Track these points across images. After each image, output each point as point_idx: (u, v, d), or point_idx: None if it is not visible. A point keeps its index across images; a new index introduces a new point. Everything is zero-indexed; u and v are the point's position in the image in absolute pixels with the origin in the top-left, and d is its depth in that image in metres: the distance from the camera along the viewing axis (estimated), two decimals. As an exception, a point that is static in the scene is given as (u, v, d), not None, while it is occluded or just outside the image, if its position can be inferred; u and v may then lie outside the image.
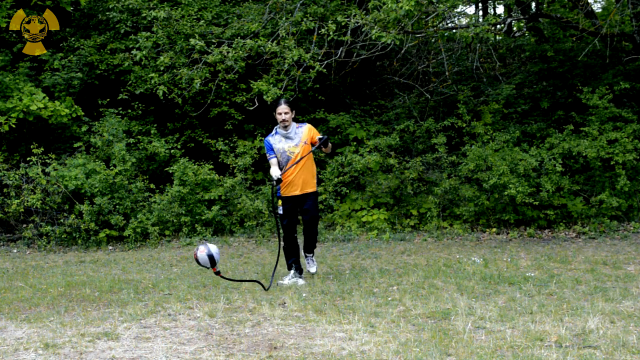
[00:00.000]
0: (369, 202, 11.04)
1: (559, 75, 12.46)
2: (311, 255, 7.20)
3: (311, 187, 6.91)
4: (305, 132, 6.85)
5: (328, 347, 4.84)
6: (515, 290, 6.46)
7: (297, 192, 6.83)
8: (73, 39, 12.43)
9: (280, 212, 6.84)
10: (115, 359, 4.70)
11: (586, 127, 10.56)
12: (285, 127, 6.76)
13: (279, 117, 6.75)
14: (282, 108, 6.75)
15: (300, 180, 6.82)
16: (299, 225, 7.74)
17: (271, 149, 6.85)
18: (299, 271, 7.05)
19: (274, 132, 6.88)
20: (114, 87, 12.13)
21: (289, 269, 7.06)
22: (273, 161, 6.87)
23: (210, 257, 6.21)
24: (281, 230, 7.07)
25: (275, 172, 6.75)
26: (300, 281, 6.98)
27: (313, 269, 7.20)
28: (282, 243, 7.05)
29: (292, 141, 6.78)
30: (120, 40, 12.32)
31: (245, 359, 4.67)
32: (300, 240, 7.26)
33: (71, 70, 11.78)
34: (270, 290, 6.71)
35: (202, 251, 6.21)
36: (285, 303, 6.15)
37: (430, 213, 10.56)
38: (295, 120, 6.89)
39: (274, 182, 6.74)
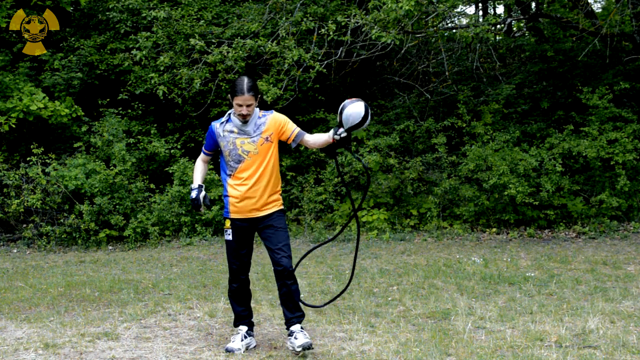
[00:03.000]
0: (369, 202, 11.04)
1: (559, 75, 12.46)
2: (299, 327, 4.73)
3: (275, 204, 4.80)
4: (268, 124, 4.73)
5: (328, 347, 4.84)
6: (515, 290, 6.47)
7: (255, 214, 4.73)
8: (73, 39, 12.43)
9: (228, 237, 4.79)
10: (115, 359, 4.70)
11: (586, 127, 10.56)
12: (245, 122, 4.71)
13: (238, 110, 4.65)
14: (243, 98, 4.61)
15: (259, 193, 4.71)
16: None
17: (212, 141, 4.83)
18: (250, 327, 4.96)
19: (225, 117, 4.80)
20: (114, 87, 12.13)
21: (237, 324, 4.95)
22: (200, 160, 5.00)
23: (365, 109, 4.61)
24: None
25: (195, 179, 4.93)
26: (253, 342, 4.92)
27: (301, 341, 4.61)
28: (357, 248, 5.18)
29: (249, 137, 4.71)
30: (120, 40, 12.32)
31: (245, 359, 4.67)
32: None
33: (71, 70, 11.78)
34: (271, 290, 6.71)
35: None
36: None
37: (430, 213, 10.55)
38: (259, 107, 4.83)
39: (191, 196, 4.85)
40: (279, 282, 4.70)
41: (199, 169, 4.99)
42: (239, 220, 4.77)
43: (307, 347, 4.56)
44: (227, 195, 4.80)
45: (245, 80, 4.65)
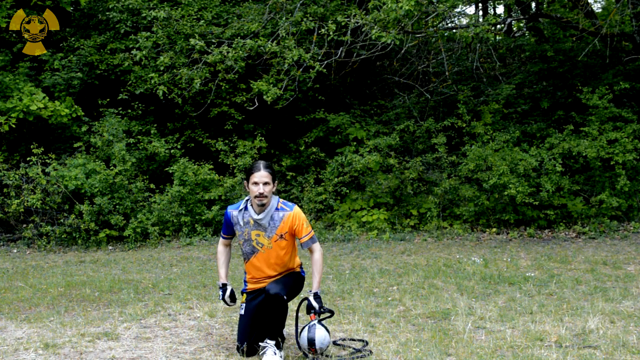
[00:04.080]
0: (369, 202, 11.03)
1: (559, 75, 12.46)
2: (273, 343, 4.52)
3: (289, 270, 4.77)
4: (285, 221, 4.59)
5: (328, 347, 4.83)
6: (515, 290, 6.46)
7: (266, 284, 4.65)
8: (73, 39, 12.43)
9: (242, 312, 4.72)
10: (115, 359, 4.70)
11: (586, 127, 10.56)
12: (262, 205, 4.53)
13: (254, 189, 4.49)
14: (261, 175, 4.47)
15: (272, 278, 4.67)
16: None
17: (228, 226, 4.74)
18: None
19: (242, 204, 4.65)
20: (114, 87, 12.13)
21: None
22: (221, 246, 4.86)
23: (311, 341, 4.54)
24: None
25: (220, 274, 4.83)
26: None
27: (269, 357, 4.45)
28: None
29: (264, 231, 4.59)
30: (120, 40, 12.32)
31: (245, 359, 4.67)
32: None
33: (71, 70, 11.78)
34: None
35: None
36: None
37: (430, 213, 10.55)
38: (277, 194, 4.78)
39: (220, 293, 4.79)
40: (267, 308, 4.50)
41: (222, 259, 4.87)
42: (254, 291, 4.74)
43: None
44: (245, 276, 4.81)
45: (262, 161, 4.61)
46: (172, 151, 11.50)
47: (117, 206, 10.57)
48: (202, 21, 11.44)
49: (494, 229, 10.27)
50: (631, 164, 10.22)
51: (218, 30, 11.38)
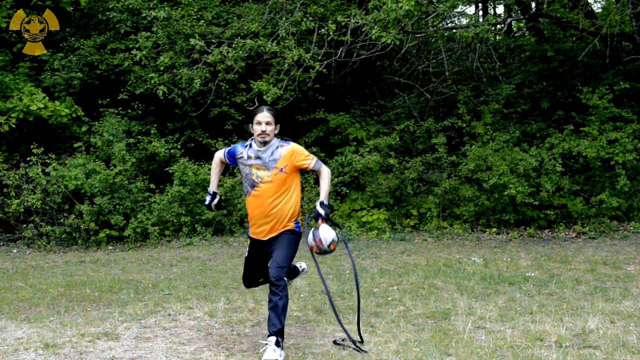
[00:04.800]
0: (369, 202, 11.04)
1: (559, 75, 12.46)
2: (273, 340, 4.54)
3: (288, 227, 4.89)
4: (284, 155, 4.80)
5: (328, 347, 4.84)
6: (515, 290, 6.47)
7: (267, 236, 4.88)
8: (73, 39, 12.43)
9: (247, 255, 5.07)
10: (115, 359, 4.70)
11: (586, 127, 10.56)
12: (264, 143, 4.79)
13: (258, 128, 4.78)
14: (264, 116, 4.77)
15: (271, 219, 4.84)
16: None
17: (231, 155, 5.01)
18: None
19: (248, 142, 4.93)
20: (114, 87, 12.13)
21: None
22: (217, 158, 5.12)
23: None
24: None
25: (211, 183, 5.17)
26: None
27: (269, 355, 4.50)
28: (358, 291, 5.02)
29: (264, 164, 4.81)
30: (120, 40, 12.32)
31: (245, 359, 4.67)
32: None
33: (71, 70, 11.78)
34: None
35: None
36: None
37: (430, 213, 10.56)
38: (279, 136, 4.94)
39: (205, 202, 5.16)
40: (270, 291, 4.63)
41: (216, 171, 5.18)
42: (256, 241, 4.98)
43: None
44: (248, 215, 5.00)
45: (266, 105, 4.96)
46: (172, 151, 11.50)
47: (117, 206, 10.57)
48: (202, 21, 11.44)
49: (494, 229, 10.27)
50: (631, 164, 10.22)
51: (218, 30, 11.38)
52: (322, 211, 4.74)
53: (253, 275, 5.09)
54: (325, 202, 4.79)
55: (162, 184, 11.31)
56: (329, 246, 4.72)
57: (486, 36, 9.54)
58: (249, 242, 5.04)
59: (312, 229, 4.78)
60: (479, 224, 10.58)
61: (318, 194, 10.98)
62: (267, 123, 4.76)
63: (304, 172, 10.96)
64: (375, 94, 13.85)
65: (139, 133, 11.84)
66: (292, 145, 4.86)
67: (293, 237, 4.87)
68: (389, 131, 11.86)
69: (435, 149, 11.28)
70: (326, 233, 4.71)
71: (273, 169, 4.79)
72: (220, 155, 5.10)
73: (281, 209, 4.82)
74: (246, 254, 5.07)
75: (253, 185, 4.84)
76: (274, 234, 4.85)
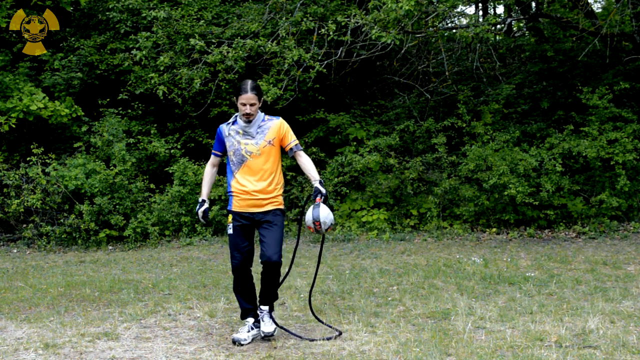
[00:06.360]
0: (369, 202, 11.04)
1: (559, 75, 12.46)
2: (267, 309, 5.11)
3: (275, 203, 5.04)
4: (272, 129, 5.02)
5: (328, 347, 4.85)
6: (515, 290, 6.47)
7: (255, 209, 5.00)
8: (73, 39, 12.43)
9: (230, 231, 5.05)
10: (115, 359, 4.70)
11: (586, 127, 10.56)
12: (249, 121, 4.98)
13: (242, 109, 4.93)
14: (247, 97, 4.89)
15: (260, 192, 4.99)
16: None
17: (220, 141, 5.12)
18: (256, 318, 5.16)
19: (232, 119, 5.11)
20: (114, 87, 12.13)
21: (245, 317, 5.19)
22: (209, 165, 5.26)
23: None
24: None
25: (202, 191, 5.25)
26: (259, 335, 5.13)
27: (268, 328, 5.06)
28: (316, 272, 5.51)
29: (252, 139, 4.99)
30: (120, 40, 12.32)
31: (245, 359, 4.68)
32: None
33: (71, 70, 11.78)
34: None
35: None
36: (285, 303, 6.16)
37: (430, 213, 10.55)
38: (264, 110, 5.20)
39: (198, 206, 5.19)
40: (262, 274, 4.99)
41: (207, 178, 5.28)
42: (240, 216, 5.03)
43: (270, 336, 5.06)
44: (231, 192, 5.08)
45: (249, 81, 4.99)
46: (172, 151, 11.50)
47: (117, 206, 10.57)
48: (202, 21, 11.44)
49: (494, 229, 10.27)
50: (631, 164, 10.22)
51: (218, 30, 11.38)
52: (323, 190, 4.93)
53: (245, 259, 5.04)
54: (321, 180, 5.01)
55: (162, 184, 11.31)
56: (326, 230, 4.92)
57: (486, 36, 9.54)
58: (231, 219, 5.06)
59: (312, 206, 4.91)
60: (479, 224, 10.58)
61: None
62: (252, 105, 4.92)
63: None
64: (375, 94, 13.84)
65: (139, 133, 11.84)
66: (281, 120, 5.09)
67: (282, 217, 5.08)
68: (389, 131, 11.86)
69: (435, 149, 11.28)
70: (325, 216, 4.86)
71: (261, 142, 4.99)
72: (210, 161, 5.26)
73: (270, 180, 5.02)
74: (230, 231, 5.05)
75: (242, 161, 5.01)
76: (264, 209, 5.00)
